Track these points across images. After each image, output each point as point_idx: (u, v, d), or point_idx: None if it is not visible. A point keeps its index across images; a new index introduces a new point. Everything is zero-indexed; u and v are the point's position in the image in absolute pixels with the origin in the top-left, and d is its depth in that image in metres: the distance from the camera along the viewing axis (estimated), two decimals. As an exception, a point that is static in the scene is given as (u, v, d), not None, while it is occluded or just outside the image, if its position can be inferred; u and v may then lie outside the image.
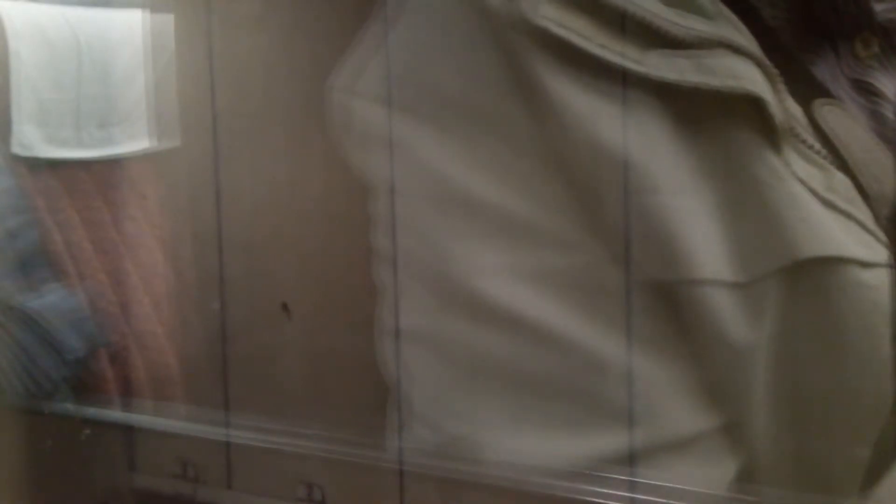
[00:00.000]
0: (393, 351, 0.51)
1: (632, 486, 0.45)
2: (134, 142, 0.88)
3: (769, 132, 0.45)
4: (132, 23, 0.86)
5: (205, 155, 0.67)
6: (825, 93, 0.50)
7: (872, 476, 0.47)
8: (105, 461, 0.66)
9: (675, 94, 0.45)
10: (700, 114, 0.45)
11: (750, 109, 0.45)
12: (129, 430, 0.67)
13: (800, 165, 0.45)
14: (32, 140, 0.85)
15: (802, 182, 0.45)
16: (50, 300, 0.81)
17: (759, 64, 0.45)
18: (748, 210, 0.45)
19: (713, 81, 0.44)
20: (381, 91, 0.50)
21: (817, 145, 0.47)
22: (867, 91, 0.51)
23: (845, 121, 0.48)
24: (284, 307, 0.64)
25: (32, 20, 0.85)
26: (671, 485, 0.45)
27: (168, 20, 0.74)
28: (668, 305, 0.46)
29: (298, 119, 0.63)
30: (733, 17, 0.46)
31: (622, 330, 0.46)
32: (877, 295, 0.45)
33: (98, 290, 0.85)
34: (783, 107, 0.46)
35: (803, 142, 0.46)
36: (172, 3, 0.74)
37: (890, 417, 0.46)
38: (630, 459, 0.45)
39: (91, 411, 0.73)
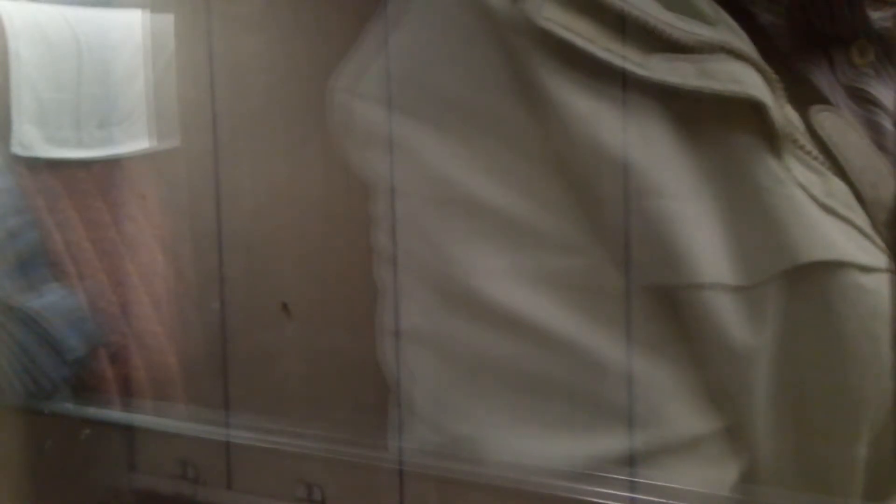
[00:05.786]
0: (393, 351, 0.51)
1: (632, 487, 0.45)
2: (134, 142, 0.88)
3: (769, 137, 0.45)
4: (132, 23, 0.85)
5: (205, 155, 0.67)
6: (822, 100, 0.50)
7: (873, 477, 0.47)
8: (105, 461, 0.66)
9: (676, 97, 0.45)
10: (701, 118, 0.45)
11: (750, 114, 0.45)
12: (129, 430, 0.67)
13: (799, 171, 0.46)
14: (32, 140, 0.85)
15: (802, 187, 0.45)
16: (50, 300, 0.81)
17: (759, 69, 0.45)
18: (749, 214, 0.45)
19: (715, 86, 0.44)
20: (383, 92, 0.50)
21: (815, 151, 0.47)
22: (863, 99, 0.51)
23: (842, 127, 0.49)
24: (284, 307, 0.64)
25: (32, 20, 0.85)
26: (672, 485, 0.45)
27: (168, 20, 0.74)
28: (668, 308, 0.46)
29: (298, 119, 0.64)
30: (733, 23, 0.47)
31: (623, 332, 0.46)
32: (876, 299, 0.45)
33: (98, 290, 0.85)
34: (783, 112, 0.46)
35: (801, 147, 0.47)
36: (172, 3, 0.74)
37: (890, 419, 0.46)
38: (630, 460, 0.46)
39: (91, 411, 0.72)
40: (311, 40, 0.63)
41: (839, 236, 0.45)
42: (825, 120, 0.49)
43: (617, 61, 0.45)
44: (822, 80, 0.51)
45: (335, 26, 0.61)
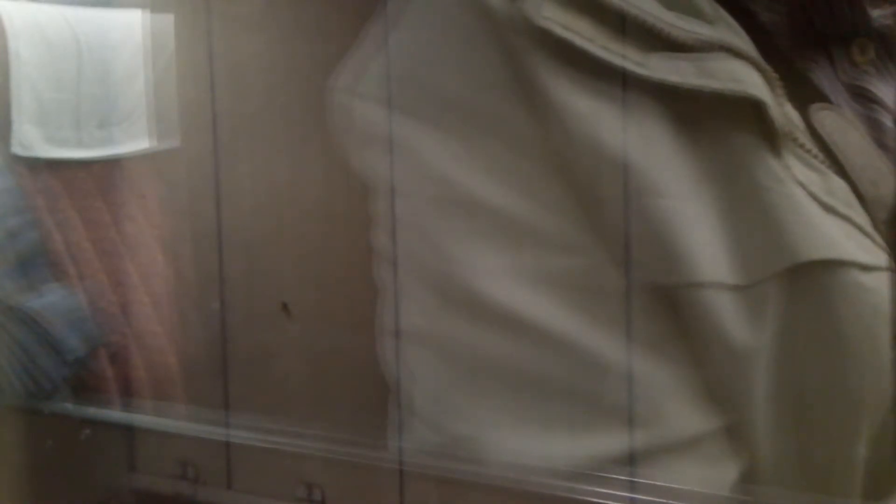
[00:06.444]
0: (393, 351, 0.51)
1: (632, 487, 0.45)
2: (134, 142, 0.88)
3: (769, 136, 0.45)
4: (132, 23, 0.85)
5: (205, 155, 0.67)
6: (822, 98, 0.50)
7: (873, 477, 0.47)
8: (105, 461, 0.66)
9: (675, 96, 0.45)
10: (700, 117, 0.45)
11: (750, 113, 0.45)
12: (129, 430, 0.67)
13: (799, 169, 0.46)
14: (32, 140, 0.85)
15: (802, 186, 0.45)
16: (50, 300, 0.81)
17: (758, 68, 0.45)
18: (748, 213, 0.45)
19: (714, 84, 0.44)
20: (382, 92, 0.50)
21: (815, 150, 0.47)
22: (864, 97, 0.51)
23: (842, 126, 0.49)
24: (284, 307, 0.64)
25: (32, 20, 0.85)
26: (671, 485, 0.45)
27: (168, 20, 0.74)
28: (668, 307, 0.46)
29: (298, 119, 0.64)
30: (732, 22, 0.47)
31: (623, 332, 0.46)
32: (876, 298, 0.45)
33: (98, 290, 0.85)
34: (783, 111, 0.46)
35: (801, 146, 0.47)
36: (172, 3, 0.74)
37: (889, 418, 0.46)
38: (630, 459, 0.46)
39: (91, 411, 0.73)
40: (311, 40, 0.63)
41: (839, 235, 0.45)
42: (825, 118, 0.49)
43: (616, 60, 0.45)
44: (823, 78, 0.51)
45: (335, 26, 0.61)
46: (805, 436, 0.47)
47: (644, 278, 0.46)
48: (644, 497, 0.45)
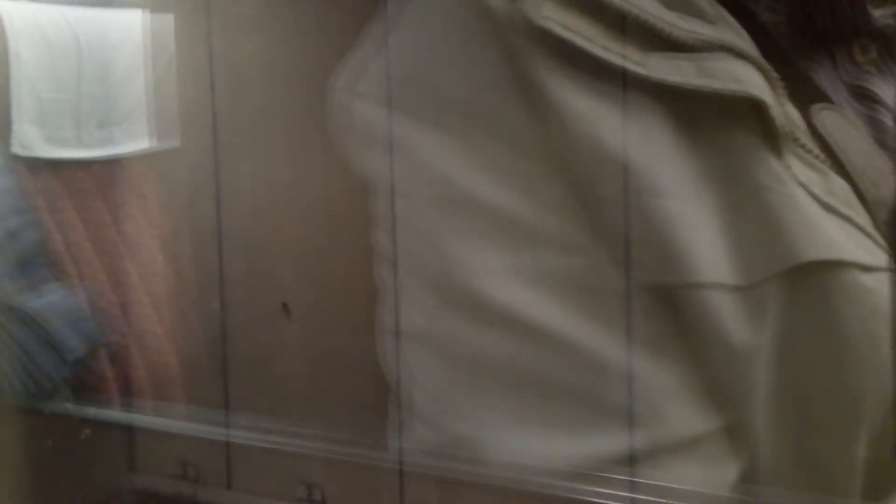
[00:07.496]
0: (393, 351, 0.51)
1: (632, 487, 0.45)
2: (134, 142, 0.88)
3: (770, 136, 0.45)
4: (132, 23, 0.86)
5: (205, 155, 0.67)
6: (824, 98, 0.50)
7: (872, 477, 0.47)
8: (105, 461, 0.66)
9: (676, 96, 0.45)
10: (701, 117, 0.45)
11: (751, 113, 0.45)
12: (129, 430, 0.67)
13: (800, 170, 0.46)
14: (32, 140, 0.85)
15: (803, 186, 0.45)
16: (50, 300, 0.81)
17: (760, 68, 0.45)
18: (749, 213, 0.45)
19: (715, 84, 0.44)
20: (382, 92, 0.50)
21: (816, 150, 0.47)
22: (865, 97, 0.51)
23: (843, 126, 0.49)
24: (284, 307, 0.64)
25: (32, 20, 0.85)
26: (671, 485, 0.45)
27: (168, 20, 0.75)
28: (668, 307, 0.46)
29: (298, 119, 0.64)
30: (733, 22, 0.47)
31: (623, 331, 0.46)
32: (877, 298, 0.45)
33: (98, 290, 0.85)
34: (783, 111, 0.46)
35: (802, 146, 0.47)
36: (172, 3, 0.74)
37: (889, 419, 0.46)
38: (630, 460, 0.46)
39: (91, 411, 0.73)
40: (311, 40, 0.63)
41: (840, 235, 0.45)
42: (826, 118, 0.49)
43: (617, 60, 0.45)
44: (824, 78, 0.51)
45: (335, 26, 0.61)
46: (805, 436, 0.47)
47: (644, 278, 0.46)
48: (644, 497, 0.45)
